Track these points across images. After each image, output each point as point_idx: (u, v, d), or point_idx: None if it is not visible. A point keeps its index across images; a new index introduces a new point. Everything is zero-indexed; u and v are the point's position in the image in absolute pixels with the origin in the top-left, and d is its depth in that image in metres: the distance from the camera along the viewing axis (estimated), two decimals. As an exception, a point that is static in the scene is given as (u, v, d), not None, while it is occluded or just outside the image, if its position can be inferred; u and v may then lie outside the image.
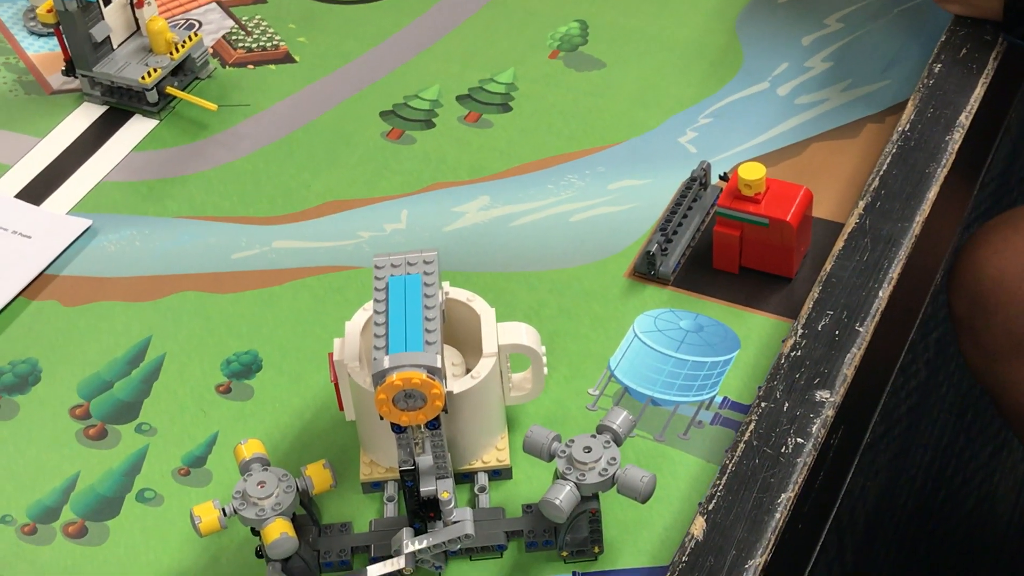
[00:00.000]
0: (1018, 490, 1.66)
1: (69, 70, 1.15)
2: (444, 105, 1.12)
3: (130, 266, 1.02)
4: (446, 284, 0.85)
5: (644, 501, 0.76)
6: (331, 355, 0.83)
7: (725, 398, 0.88)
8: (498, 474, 0.85)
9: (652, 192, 1.03)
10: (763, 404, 0.82)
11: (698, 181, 0.99)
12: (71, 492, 0.87)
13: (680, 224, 0.97)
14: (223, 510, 0.77)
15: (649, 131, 1.08)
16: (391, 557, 0.78)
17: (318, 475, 0.79)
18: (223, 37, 1.21)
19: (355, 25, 1.21)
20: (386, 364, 0.73)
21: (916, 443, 1.72)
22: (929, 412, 1.76)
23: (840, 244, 0.91)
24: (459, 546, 0.77)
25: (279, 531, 0.75)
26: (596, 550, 0.80)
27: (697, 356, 0.91)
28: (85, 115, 1.15)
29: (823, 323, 0.86)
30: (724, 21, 1.17)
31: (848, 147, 1.04)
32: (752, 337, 0.91)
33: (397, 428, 0.76)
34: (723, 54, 1.14)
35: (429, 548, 0.77)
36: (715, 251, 0.95)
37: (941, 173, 0.95)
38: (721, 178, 0.99)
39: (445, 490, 0.77)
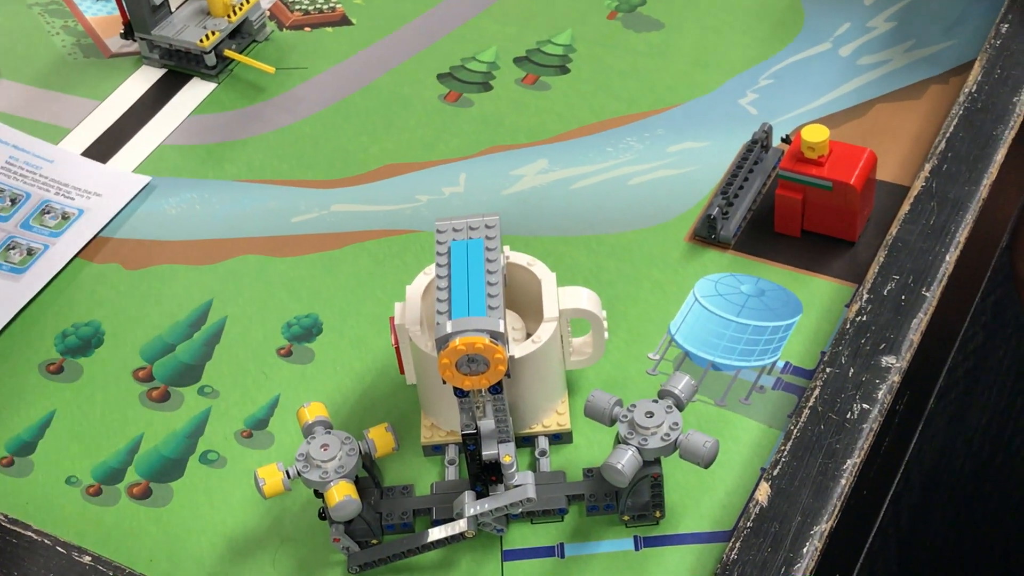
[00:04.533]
0: (1077, 454, 1.64)
1: (127, 33, 1.15)
2: (501, 67, 1.12)
3: (190, 229, 1.02)
4: (506, 248, 0.85)
5: (707, 466, 0.76)
6: (392, 319, 0.83)
7: (787, 363, 0.87)
8: (558, 438, 0.85)
9: (712, 155, 1.02)
10: (828, 369, 0.81)
11: (759, 143, 0.98)
12: (135, 453, 0.88)
13: (741, 187, 0.96)
14: (287, 472, 0.78)
15: (709, 93, 1.07)
16: (453, 520, 0.78)
17: (381, 438, 0.79)
18: (280, -1, 1.21)
19: (411, -13, 1.21)
20: (449, 329, 0.74)
21: (973, 406, 1.71)
22: (986, 375, 1.74)
23: (906, 208, 0.90)
24: (520, 510, 0.77)
25: (343, 493, 0.76)
26: (657, 515, 0.80)
27: (758, 320, 0.90)
28: (144, 78, 1.15)
29: (889, 288, 0.85)
30: (785, -20, 1.15)
31: (912, 108, 1.02)
32: (814, 301, 0.90)
33: (460, 392, 0.76)
34: (784, 14, 1.12)
35: (491, 511, 0.77)
36: (777, 214, 0.94)
37: (1008, 135, 0.93)
38: (783, 140, 0.98)
39: (507, 454, 0.77)
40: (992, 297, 1.78)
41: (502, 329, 0.74)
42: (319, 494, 0.78)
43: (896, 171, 0.97)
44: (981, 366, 1.74)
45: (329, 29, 1.18)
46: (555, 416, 0.85)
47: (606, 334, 0.84)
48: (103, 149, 1.09)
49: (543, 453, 0.84)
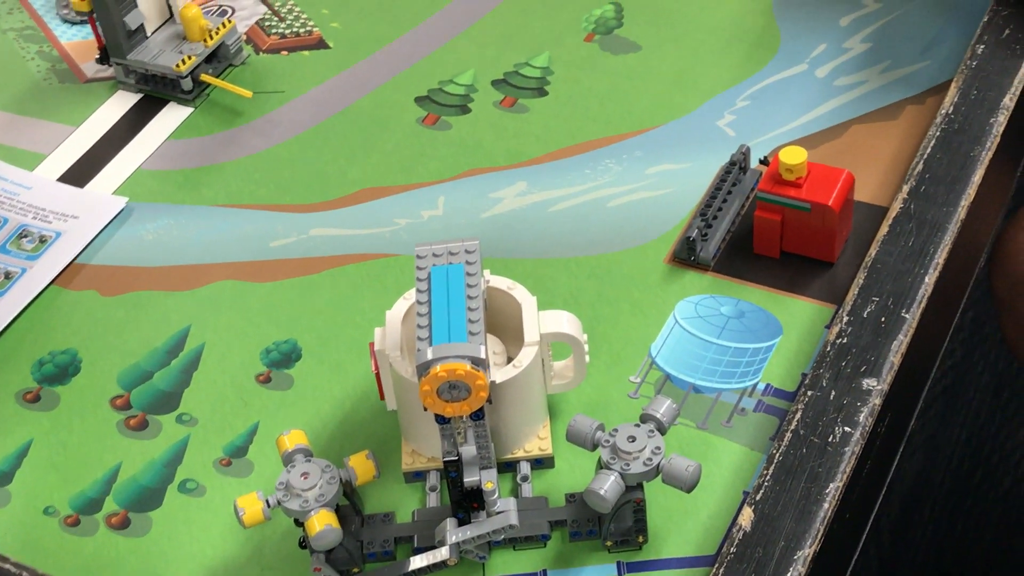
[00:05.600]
0: (1055, 470, 1.65)
1: (103, 58, 1.15)
2: (479, 90, 1.12)
3: (168, 255, 1.01)
4: (487, 272, 0.85)
5: (689, 491, 0.75)
6: (372, 345, 0.82)
7: (768, 385, 0.87)
8: (540, 463, 0.84)
9: (691, 176, 1.02)
10: (809, 392, 0.81)
11: (738, 165, 0.98)
12: (113, 483, 0.87)
13: (720, 209, 0.97)
14: (267, 501, 0.77)
15: (687, 114, 1.07)
16: (434, 547, 0.77)
17: (361, 466, 0.79)
18: (256, 23, 1.20)
19: (388, 10, 1.21)
20: (430, 355, 0.73)
21: (952, 423, 1.71)
22: (965, 391, 1.74)
23: (884, 229, 0.90)
24: (503, 536, 0.77)
25: (323, 522, 0.75)
26: (640, 539, 0.79)
27: (739, 342, 0.90)
28: (120, 103, 1.15)
29: (869, 309, 0.85)
30: (761, 2, 1.16)
31: (888, 129, 1.03)
32: (794, 323, 0.90)
33: (441, 419, 0.75)
34: (760, 35, 1.13)
35: (473, 539, 0.76)
36: (756, 236, 0.94)
37: (986, 156, 0.93)
38: (761, 162, 0.98)
39: (489, 480, 0.77)
40: (971, 313, 1.78)
41: (483, 355, 0.73)
42: (299, 523, 0.77)
43: (874, 192, 0.98)
44: (960, 382, 1.74)
45: (306, 53, 1.18)
46: (537, 441, 0.85)
47: (587, 358, 0.84)
48: (79, 174, 1.09)
49: (525, 478, 0.83)
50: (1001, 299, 1.13)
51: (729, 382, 0.88)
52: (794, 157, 0.90)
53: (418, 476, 0.85)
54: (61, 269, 1.00)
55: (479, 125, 1.09)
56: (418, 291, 0.77)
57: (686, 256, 0.95)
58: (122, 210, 1.05)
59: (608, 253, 0.97)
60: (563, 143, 1.06)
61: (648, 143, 1.05)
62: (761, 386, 0.87)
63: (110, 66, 1.15)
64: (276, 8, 1.22)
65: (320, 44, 1.18)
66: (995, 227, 1.02)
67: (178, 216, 1.04)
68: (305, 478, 0.77)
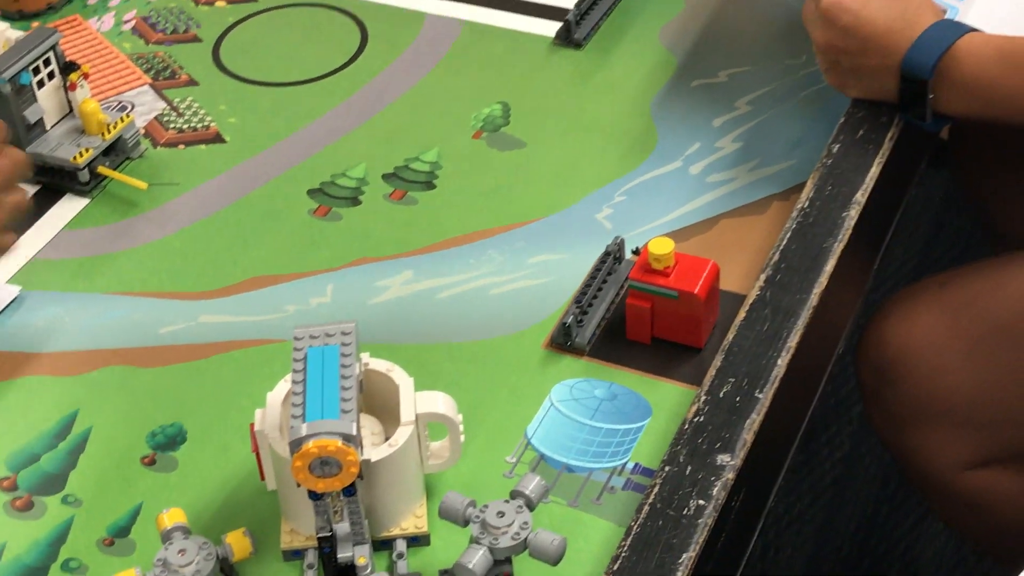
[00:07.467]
0: (939, 559, 1.69)
1: (2, 150, 1.17)
2: (370, 183, 1.16)
3: (57, 341, 1.03)
4: (366, 355, 0.88)
5: (555, 563, 0.78)
6: (252, 425, 0.85)
7: (636, 464, 0.91)
8: (416, 540, 0.87)
9: (569, 266, 1.06)
10: (667, 468, 0.85)
11: (612, 255, 1.03)
12: (-4, 563, 0.88)
13: (595, 296, 1.01)
14: (144, 577, 0.79)
15: (567, 208, 1.12)
16: (310, 622, 0.79)
17: (238, 542, 0.81)
18: (155, 118, 1.24)
19: (285, 106, 1.25)
20: (303, 432, 0.76)
21: (841, 513, 1.76)
22: (853, 483, 1.79)
23: (742, 315, 0.95)
24: (377, 611, 0.79)
25: (199, 598, 0.77)
26: (510, 613, 0.82)
27: (611, 424, 0.94)
28: (17, 194, 1.17)
29: (725, 390, 0.90)
30: (640, 104, 1.22)
31: (755, 223, 1.08)
32: (663, 404, 0.94)
33: (314, 495, 0.78)
34: (639, 135, 1.18)
35: (347, 613, 0.79)
36: (628, 322, 0.99)
37: (838, 247, 0.99)
38: (634, 252, 1.03)
39: (362, 555, 0.79)
40: (857, 407, 1.84)
41: (355, 432, 0.76)
42: (176, 598, 0.79)
43: (740, 282, 1.03)
44: (848, 474, 1.79)
45: (203, 146, 1.21)
46: (413, 519, 0.87)
47: (462, 437, 0.87)
48: (-26, 263, 1.11)
49: (400, 556, 0.86)
50: (866, 386, 1.19)
51: (600, 461, 0.92)
52: (662, 247, 0.95)
53: (296, 555, 0.87)
54: (-49, 354, 1.02)
55: (369, 216, 1.12)
56: (294, 371, 0.80)
57: (563, 341, 0.99)
58: (15, 298, 1.07)
59: (489, 339, 1.01)
60: (449, 234, 1.10)
61: (530, 234, 1.10)
62: (630, 465, 0.91)
63: (9, 158, 1.17)
64: (175, 104, 1.25)
65: (217, 138, 1.22)
66: (853, 315, 1.07)
67: (69, 304, 1.07)
68: (182, 555, 0.79)
